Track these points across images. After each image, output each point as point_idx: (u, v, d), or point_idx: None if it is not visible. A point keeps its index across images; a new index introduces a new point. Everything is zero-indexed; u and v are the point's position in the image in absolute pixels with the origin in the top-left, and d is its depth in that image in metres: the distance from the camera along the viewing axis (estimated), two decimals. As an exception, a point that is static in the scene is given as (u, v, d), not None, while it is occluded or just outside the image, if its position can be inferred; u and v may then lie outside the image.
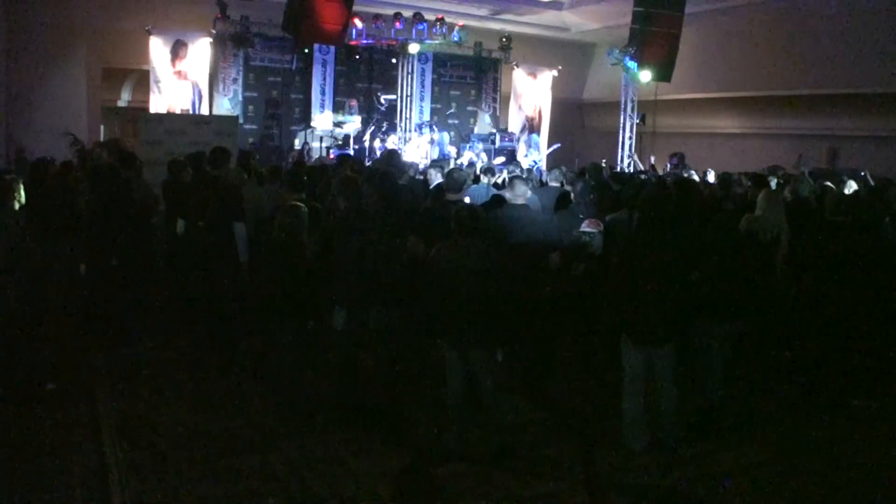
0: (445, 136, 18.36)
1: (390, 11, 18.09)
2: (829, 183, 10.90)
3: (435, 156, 17.35)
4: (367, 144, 16.79)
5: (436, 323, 5.71)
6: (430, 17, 18.39)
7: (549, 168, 13.37)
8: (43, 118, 16.62)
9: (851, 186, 10.23)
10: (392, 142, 17.22)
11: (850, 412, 6.63)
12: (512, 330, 6.42)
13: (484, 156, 17.67)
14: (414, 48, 18.32)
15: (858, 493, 5.35)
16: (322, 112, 18.54)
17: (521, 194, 7.23)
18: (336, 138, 17.16)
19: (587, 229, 7.19)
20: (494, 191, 9.26)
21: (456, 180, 7.73)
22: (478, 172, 10.77)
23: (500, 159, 17.50)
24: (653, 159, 18.39)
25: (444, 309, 5.58)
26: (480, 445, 5.65)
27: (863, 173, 12.88)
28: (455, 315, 5.51)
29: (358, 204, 6.37)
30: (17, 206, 6.84)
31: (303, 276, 6.19)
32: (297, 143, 17.50)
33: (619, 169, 17.23)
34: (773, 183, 11.03)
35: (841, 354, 6.91)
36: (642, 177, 13.67)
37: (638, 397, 5.72)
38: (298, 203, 6.66)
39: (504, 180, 10.18)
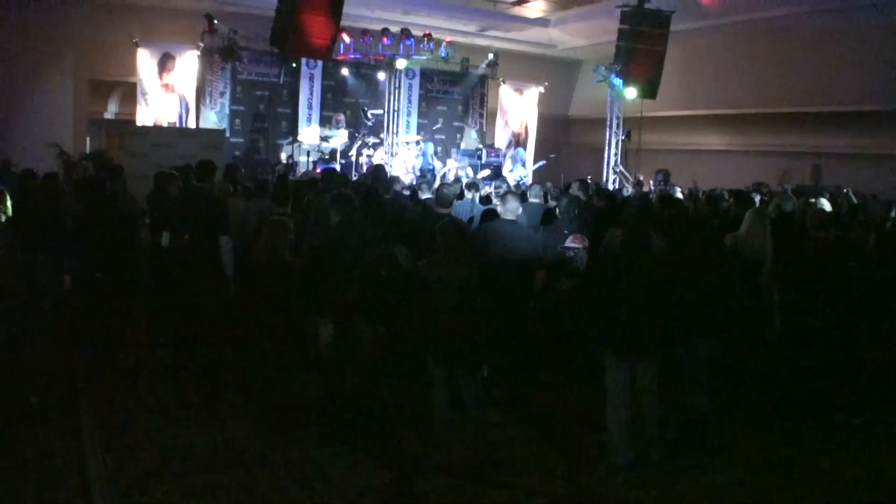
0: (430, 146, 18.40)
1: (378, 27, 18.14)
2: (812, 199, 10.99)
3: (419, 166, 17.40)
4: (353, 159, 16.81)
5: (422, 337, 5.72)
6: (417, 32, 18.45)
7: (532, 184, 13.43)
8: (29, 129, 16.56)
9: (824, 205, 10.29)
10: (379, 157, 17.23)
11: (834, 428, 6.68)
12: (497, 345, 6.44)
13: (470, 170, 17.71)
14: (401, 63, 18.38)
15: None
16: (309, 126, 18.56)
17: (512, 210, 7.27)
18: (323, 152, 17.15)
19: (571, 245, 7.22)
20: (480, 206, 9.30)
21: (445, 196, 7.83)
22: (463, 188, 10.80)
23: (486, 172, 17.56)
24: (640, 177, 18.45)
25: (429, 324, 5.60)
26: (466, 460, 5.65)
27: (845, 190, 13.00)
28: (441, 330, 5.53)
29: (350, 220, 6.38)
30: (3, 218, 6.80)
31: (286, 290, 6.19)
32: (283, 157, 17.48)
33: (604, 185, 17.29)
34: (757, 199, 11.10)
35: (825, 370, 6.95)
36: (626, 192, 13.73)
37: (622, 412, 5.74)
38: (283, 217, 6.67)
39: (489, 195, 10.20)
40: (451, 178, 16.41)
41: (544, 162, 19.97)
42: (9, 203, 6.98)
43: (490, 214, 7.84)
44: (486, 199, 10.04)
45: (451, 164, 17.93)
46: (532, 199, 9.21)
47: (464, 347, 5.51)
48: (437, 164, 18.06)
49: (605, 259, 6.76)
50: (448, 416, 5.71)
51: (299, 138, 18.04)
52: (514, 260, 7.00)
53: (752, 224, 7.72)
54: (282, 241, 6.38)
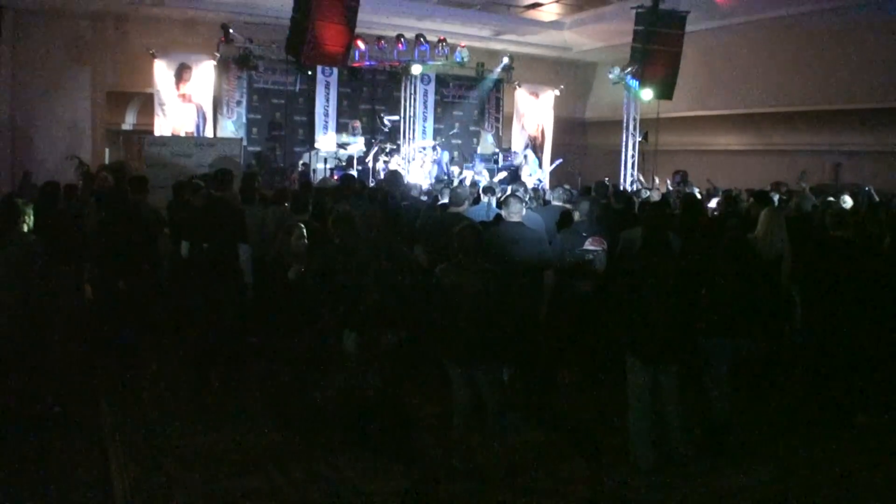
0: (445, 155, 18.42)
1: (393, 33, 18.18)
2: (831, 198, 10.90)
3: (435, 175, 17.41)
4: (370, 165, 16.85)
5: (440, 341, 5.72)
6: (432, 38, 18.48)
7: (552, 187, 13.39)
8: (48, 141, 16.74)
9: (846, 202, 10.19)
10: (396, 163, 17.25)
11: (856, 429, 6.62)
12: (517, 349, 6.43)
13: (486, 174, 17.70)
14: (416, 69, 18.41)
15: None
16: (325, 133, 18.61)
17: (515, 212, 7.30)
18: (340, 159, 17.21)
19: (591, 247, 7.20)
20: (496, 210, 9.30)
21: (459, 195, 8.07)
22: (479, 192, 10.79)
23: (503, 175, 17.54)
24: (657, 180, 18.35)
25: (448, 328, 5.60)
26: (487, 464, 5.64)
27: (867, 188, 12.88)
28: (460, 335, 5.53)
29: (351, 241, 6.34)
30: (24, 228, 6.86)
31: (290, 295, 6.21)
32: (299, 165, 17.52)
33: (622, 187, 17.23)
34: (776, 199, 11.03)
35: (846, 371, 6.89)
36: (644, 194, 13.67)
37: (645, 415, 5.71)
38: (299, 224, 6.67)
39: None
40: (468, 183, 16.41)
41: (561, 160, 19.92)
42: (31, 215, 7.03)
43: (497, 219, 7.94)
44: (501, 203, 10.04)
45: (467, 173, 17.92)
46: (555, 202, 9.29)
47: (482, 350, 5.50)
48: (455, 169, 18.04)
49: (624, 261, 6.74)
50: (468, 420, 5.70)
51: (316, 146, 18.09)
52: (520, 261, 7.00)
53: (769, 224, 7.68)
54: (293, 247, 6.38)
